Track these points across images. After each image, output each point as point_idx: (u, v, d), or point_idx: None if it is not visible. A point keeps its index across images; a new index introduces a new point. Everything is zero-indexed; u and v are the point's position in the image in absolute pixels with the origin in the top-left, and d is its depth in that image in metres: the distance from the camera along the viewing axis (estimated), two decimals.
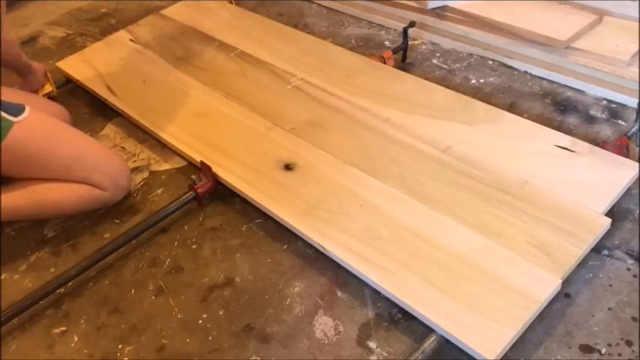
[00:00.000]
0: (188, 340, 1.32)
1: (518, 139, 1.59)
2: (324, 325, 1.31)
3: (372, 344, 1.27)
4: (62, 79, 2.09)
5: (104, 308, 1.41)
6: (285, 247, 1.49)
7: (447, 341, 1.19)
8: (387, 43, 2.15)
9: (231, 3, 2.36)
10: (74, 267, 1.44)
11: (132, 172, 1.74)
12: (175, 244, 1.54)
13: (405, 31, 2.01)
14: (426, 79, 1.88)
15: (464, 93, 1.79)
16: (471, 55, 2.06)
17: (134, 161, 1.79)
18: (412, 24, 2.03)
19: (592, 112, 1.77)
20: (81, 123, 1.96)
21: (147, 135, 1.85)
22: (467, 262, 1.30)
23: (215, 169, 1.59)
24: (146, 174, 1.75)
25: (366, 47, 2.15)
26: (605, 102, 1.80)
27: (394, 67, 1.94)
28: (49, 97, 2.04)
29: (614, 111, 1.76)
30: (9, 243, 1.59)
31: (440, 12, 2.09)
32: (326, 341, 1.28)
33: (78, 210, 1.59)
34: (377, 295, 1.34)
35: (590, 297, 1.31)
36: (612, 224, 1.36)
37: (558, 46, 1.84)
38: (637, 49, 1.77)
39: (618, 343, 1.22)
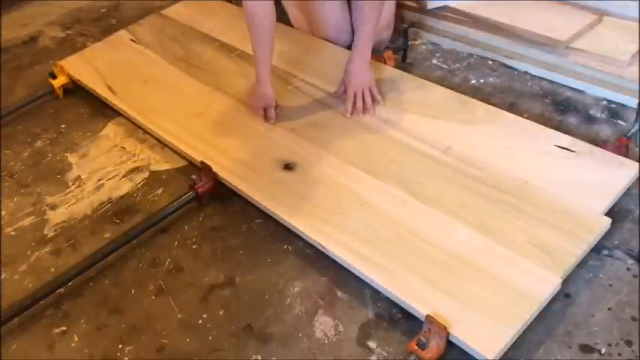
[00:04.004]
0: (188, 340, 1.32)
1: (518, 139, 1.59)
2: (324, 325, 1.31)
3: (372, 344, 1.27)
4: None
5: (104, 308, 1.41)
6: (285, 247, 1.49)
7: (448, 341, 1.19)
8: (388, 43, 2.14)
9: (232, 3, 2.36)
10: (74, 267, 1.44)
11: (132, 172, 1.75)
12: (175, 244, 1.54)
13: (405, 31, 2.01)
14: (426, 79, 1.88)
15: (464, 93, 1.79)
16: (471, 55, 2.06)
17: (134, 161, 1.79)
18: (412, 24, 2.03)
19: (592, 112, 1.77)
20: (81, 123, 1.97)
21: (147, 135, 1.86)
22: (467, 261, 1.30)
23: (215, 168, 1.59)
24: (146, 174, 1.75)
25: None
26: (604, 102, 1.80)
27: (394, 67, 1.94)
28: (64, 88, 2.05)
29: (614, 111, 1.76)
30: (9, 243, 1.59)
31: (440, 12, 2.09)
32: (326, 341, 1.28)
33: None
34: (377, 295, 1.34)
35: (590, 297, 1.31)
36: (612, 224, 1.37)
37: (558, 46, 1.84)
38: (637, 49, 1.77)
39: (618, 343, 1.22)
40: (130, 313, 1.39)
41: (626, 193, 1.46)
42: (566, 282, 1.28)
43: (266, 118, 1.74)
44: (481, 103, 1.73)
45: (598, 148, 1.53)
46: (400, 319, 1.30)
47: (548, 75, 1.91)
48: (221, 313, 1.37)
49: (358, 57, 1.73)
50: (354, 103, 1.71)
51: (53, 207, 1.68)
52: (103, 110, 1.98)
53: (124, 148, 1.84)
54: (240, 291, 1.41)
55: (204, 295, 1.41)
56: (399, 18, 2.17)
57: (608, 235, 1.38)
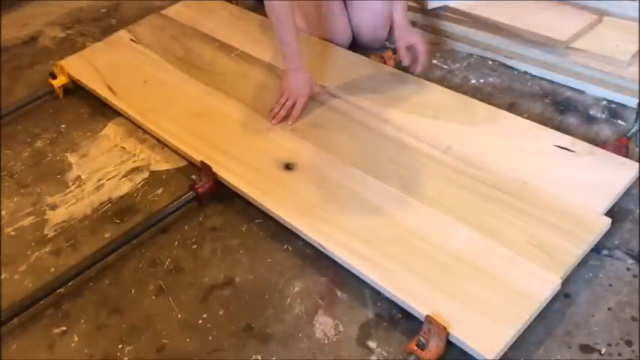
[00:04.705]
0: (188, 340, 1.32)
1: (518, 139, 1.59)
2: (324, 325, 1.31)
3: (372, 344, 1.27)
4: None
5: (104, 308, 1.41)
6: (285, 247, 1.49)
7: (448, 341, 1.19)
8: (386, 43, 2.14)
9: (231, 3, 2.36)
10: (74, 267, 1.44)
11: (132, 172, 1.75)
12: (175, 244, 1.54)
13: None
14: (426, 79, 1.88)
15: (464, 93, 1.79)
16: (471, 55, 2.06)
17: (134, 161, 1.79)
18: (412, 24, 2.03)
19: (592, 112, 1.77)
20: (81, 123, 1.97)
21: (147, 135, 1.86)
22: (467, 261, 1.30)
23: (215, 168, 1.59)
24: (146, 174, 1.75)
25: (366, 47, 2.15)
26: (604, 102, 1.80)
27: (394, 67, 1.94)
28: (65, 88, 2.05)
29: (614, 111, 1.76)
30: (9, 243, 1.59)
31: (440, 12, 2.09)
32: (326, 341, 1.28)
33: None
34: (377, 295, 1.34)
35: (589, 297, 1.31)
36: (612, 224, 1.36)
37: (558, 46, 1.84)
38: (637, 49, 1.77)
39: (618, 343, 1.22)
40: (130, 313, 1.39)
41: (626, 193, 1.46)
42: (566, 282, 1.28)
43: (287, 117, 1.73)
44: (481, 103, 1.73)
45: (598, 148, 1.54)
46: (400, 319, 1.30)
47: (548, 75, 1.91)
48: (221, 313, 1.37)
49: (403, 18, 1.88)
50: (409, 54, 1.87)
51: (53, 207, 1.68)
52: (103, 110, 1.98)
53: (124, 148, 1.84)
54: (240, 291, 1.41)
55: (204, 295, 1.41)
56: None
57: (608, 235, 1.38)
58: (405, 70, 1.94)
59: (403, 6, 1.90)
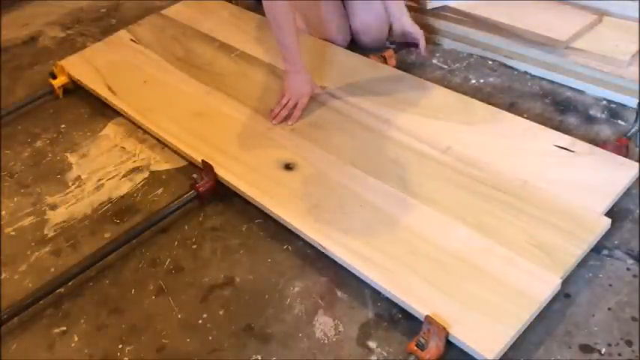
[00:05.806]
0: (188, 340, 1.32)
1: (518, 139, 1.59)
2: (324, 325, 1.31)
3: (372, 344, 1.27)
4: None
5: (104, 308, 1.41)
6: (285, 247, 1.49)
7: (447, 341, 1.19)
8: (387, 43, 2.15)
9: (231, 3, 2.36)
10: (74, 267, 1.44)
11: (132, 172, 1.75)
12: (175, 244, 1.54)
13: None
14: (426, 79, 1.88)
15: (464, 93, 1.79)
16: (471, 55, 2.06)
17: (134, 161, 1.79)
18: None
19: (592, 112, 1.77)
20: (81, 123, 1.97)
21: (147, 135, 1.86)
22: (467, 262, 1.30)
23: (215, 168, 1.59)
24: (146, 174, 1.75)
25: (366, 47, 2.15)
26: (604, 102, 1.80)
27: (394, 67, 1.94)
28: (64, 88, 2.05)
29: (614, 111, 1.76)
30: (9, 243, 1.59)
31: (440, 12, 2.09)
32: (326, 341, 1.28)
33: None
34: (377, 295, 1.34)
35: (589, 297, 1.31)
36: (612, 224, 1.36)
37: (558, 46, 1.84)
38: (637, 49, 1.77)
39: (618, 343, 1.22)
40: (130, 313, 1.39)
41: (626, 193, 1.46)
42: (566, 282, 1.28)
43: (288, 117, 1.73)
44: (481, 103, 1.73)
45: (598, 148, 1.54)
46: (400, 319, 1.30)
47: (548, 75, 1.91)
48: (221, 313, 1.37)
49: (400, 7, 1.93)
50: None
51: (53, 207, 1.68)
52: (103, 110, 1.98)
53: (124, 148, 1.85)
54: (240, 291, 1.41)
55: (204, 295, 1.41)
56: None
57: (608, 235, 1.38)
58: (406, 70, 1.94)
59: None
